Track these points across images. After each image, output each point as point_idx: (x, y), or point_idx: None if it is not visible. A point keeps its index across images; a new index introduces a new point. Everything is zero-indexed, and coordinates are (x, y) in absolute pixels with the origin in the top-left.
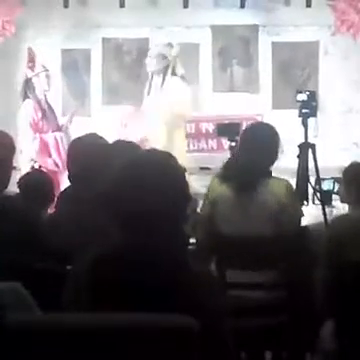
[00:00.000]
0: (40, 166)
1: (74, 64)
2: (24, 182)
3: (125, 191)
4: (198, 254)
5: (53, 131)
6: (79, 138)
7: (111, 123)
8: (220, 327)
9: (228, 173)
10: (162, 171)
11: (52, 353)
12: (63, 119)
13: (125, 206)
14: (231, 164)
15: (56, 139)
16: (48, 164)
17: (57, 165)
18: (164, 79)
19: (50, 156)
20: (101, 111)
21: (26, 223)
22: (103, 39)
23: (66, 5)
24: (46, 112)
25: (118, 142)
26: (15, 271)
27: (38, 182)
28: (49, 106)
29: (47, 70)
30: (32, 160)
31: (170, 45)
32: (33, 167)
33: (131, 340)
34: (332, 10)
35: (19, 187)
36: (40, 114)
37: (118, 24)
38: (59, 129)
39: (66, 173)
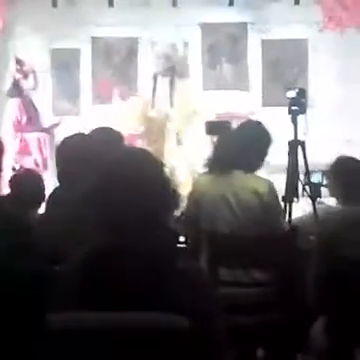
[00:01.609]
0: (20, 165)
1: (63, 63)
2: (14, 183)
3: (107, 192)
4: (189, 252)
5: (37, 131)
6: (68, 138)
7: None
8: (211, 327)
9: (211, 167)
10: (142, 169)
11: (45, 353)
12: (53, 118)
13: (109, 207)
14: (214, 158)
15: (39, 139)
16: (28, 163)
17: (37, 164)
18: (173, 81)
19: (30, 155)
20: (91, 110)
21: (15, 224)
22: (92, 38)
23: (55, 4)
24: (30, 112)
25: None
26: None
27: (28, 183)
28: (34, 106)
29: (34, 71)
30: (14, 159)
31: (174, 45)
32: (14, 167)
33: (124, 340)
34: (320, 7)
35: (9, 187)
36: (24, 114)
37: (107, 23)
38: (43, 130)
39: (46, 172)
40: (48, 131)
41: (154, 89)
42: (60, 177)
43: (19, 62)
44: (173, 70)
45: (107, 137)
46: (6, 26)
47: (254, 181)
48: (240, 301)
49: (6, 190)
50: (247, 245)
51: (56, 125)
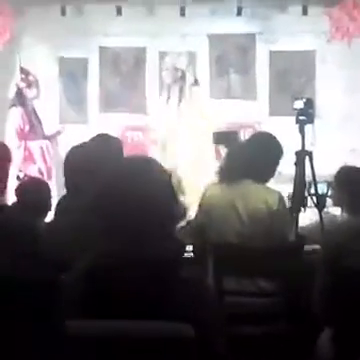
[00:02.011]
0: (25, 174)
1: (71, 72)
2: (21, 191)
3: (112, 201)
4: (195, 262)
5: (39, 139)
6: (75, 146)
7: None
8: (213, 337)
9: (221, 176)
10: (147, 179)
11: None
12: (59, 127)
13: (113, 216)
14: (225, 168)
15: (42, 147)
16: (32, 171)
17: (42, 173)
18: (182, 90)
19: (35, 163)
20: (98, 119)
21: (22, 232)
22: (100, 48)
23: (63, 13)
24: (33, 121)
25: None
26: (11, 280)
27: (35, 191)
28: (36, 115)
29: (38, 81)
30: (18, 168)
31: (181, 54)
32: (18, 175)
33: (130, 348)
34: (328, 18)
35: (16, 195)
36: (27, 123)
37: (115, 33)
38: (45, 138)
39: (50, 181)
40: (51, 139)
41: (168, 98)
42: (67, 185)
43: (24, 71)
44: (183, 80)
45: (107, 144)
46: (14, 37)
47: (264, 192)
48: (247, 311)
49: (13, 198)
50: (254, 255)
51: (59, 133)
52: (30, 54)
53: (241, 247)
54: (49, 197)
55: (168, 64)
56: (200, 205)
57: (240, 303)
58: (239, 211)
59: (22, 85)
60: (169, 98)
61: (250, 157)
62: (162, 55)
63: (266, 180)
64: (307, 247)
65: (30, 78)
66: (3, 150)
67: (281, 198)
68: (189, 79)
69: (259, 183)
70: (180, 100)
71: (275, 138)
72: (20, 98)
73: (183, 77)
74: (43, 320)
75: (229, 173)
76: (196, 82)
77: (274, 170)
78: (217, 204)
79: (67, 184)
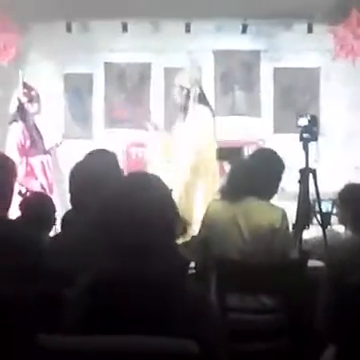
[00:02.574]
0: (27, 189)
1: (76, 88)
2: (25, 205)
3: (114, 218)
4: (198, 278)
5: (40, 154)
6: (81, 161)
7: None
8: (217, 354)
9: (224, 192)
10: (151, 195)
11: None
12: (58, 140)
13: (116, 232)
14: (227, 184)
15: (42, 162)
16: (34, 187)
17: (43, 188)
18: (187, 107)
19: (36, 179)
20: (103, 135)
21: (26, 247)
22: (105, 63)
23: (69, 30)
24: (34, 136)
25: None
26: (13, 292)
27: (39, 205)
28: (37, 130)
29: (39, 96)
30: (19, 184)
31: (189, 71)
32: (20, 191)
33: None
34: (332, 36)
35: (20, 210)
36: (28, 138)
37: (121, 49)
38: (46, 152)
39: (52, 196)
40: (50, 153)
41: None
42: (72, 201)
43: (26, 86)
44: (188, 95)
45: (107, 159)
46: (19, 53)
47: (266, 208)
48: (250, 328)
49: (16, 214)
50: (257, 271)
51: (57, 146)
52: (35, 70)
53: (244, 263)
54: (53, 211)
55: (176, 80)
56: (203, 221)
57: (243, 320)
58: (241, 228)
59: (24, 100)
60: (176, 114)
61: (253, 174)
62: (167, 71)
63: (269, 197)
64: (311, 263)
65: (32, 93)
66: (9, 165)
67: (284, 215)
68: (195, 96)
69: (262, 200)
70: (185, 117)
71: (277, 154)
72: (21, 113)
73: (189, 94)
74: (45, 334)
75: (232, 190)
76: (203, 99)
77: (277, 186)
78: (219, 220)
79: (72, 199)
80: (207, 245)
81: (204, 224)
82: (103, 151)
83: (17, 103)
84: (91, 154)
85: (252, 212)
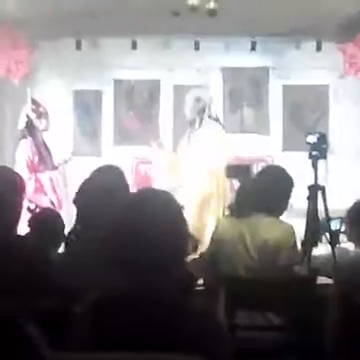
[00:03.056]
0: (36, 205)
1: (86, 105)
2: (34, 221)
3: (123, 235)
4: (206, 295)
5: (49, 170)
6: (88, 178)
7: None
8: None
9: (232, 210)
10: (162, 211)
11: None
12: (66, 156)
13: (124, 250)
14: (236, 201)
15: (51, 179)
16: (43, 203)
17: (53, 204)
18: (201, 123)
19: (45, 195)
20: (112, 151)
21: (34, 262)
22: (115, 80)
23: (79, 47)
24: (42, 152)
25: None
26: (21, 308)
27: (48, 221)
28: (46, 146)
29: (47, 112)
30: (28, 200)
31: (204, 88)
32: (29, 207)
33: None
34: (341, 53)
35: (29, 226)
36: (37, 154)
37: (130, 66)
38: (54, 168)
39: (61, 211)
40: (58, 169)
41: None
42: (79, 218)
43: (34, 102)
44: (203, 113)
45: (115, 176)
46: (30, 71)
47: (272, 224)
48: (257, 345)
49: (25, 230)
50: (265, 289)
51: (65, 162)
52: (45, 87)
53: (251, 280)
54: (62, 228)
55: (189, 97)
56: (211, 238)
57: (251, 337)
58: (248, 245)
59: (32, 116)
60: (186, 129)
61: (261, 191)
62: (176, 88)
63: (278, 214)
64: (319, 280)
65: (40, 109)
66: (18, 181)
67: (291, 231)
68: (207, 113)
69: (271, 216)
70: (197, 132)
71: (286, 171)
72: (30, 129)
73: (202, 111)
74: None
75: (240, 207)
76: (213, 116)
77: (286, 203)
78: (227, 237)
79: (79, 217)
80: (215, 262)
81: (213, 241)
82: (110, 167)
83: (26, 119)
84: (98, 170)
85: (259, 229)
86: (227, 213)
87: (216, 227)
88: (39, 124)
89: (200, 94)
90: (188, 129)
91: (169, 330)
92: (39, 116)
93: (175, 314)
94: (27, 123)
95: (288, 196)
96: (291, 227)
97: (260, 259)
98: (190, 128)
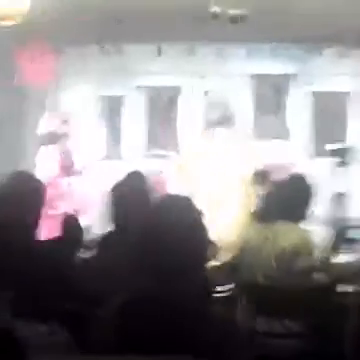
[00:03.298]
0: (56, 211)
1: (110, 110)
2: (55, 226)
3: (148, 240)
4: (227, 301)
5: (70, 176)
6: (117, 184)
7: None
8: None
9: (255, 217)
10: (183, 218)
11: None
12: (89, 162)
13: (148, 255)
14: (259, 208)
15: (72, 184)
16: (63, 208)
17: (74, 209)
18: (228, 131)
19: (66, 200)
20: (135, 157)
21: (56, 267)
22: (139, 86)
23: (104, 53)
24: (65, 157)
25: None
26: (45, 313)
27: (68, 226)
28: (68, 152)
29: (69, 118)
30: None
31: (224, 93)
32: (49, 212)
33: None
34: None
35: (49, 231)
36: (58, 160)
37: (154, 72)
38: (76, 174)
39: (83, 217)
40: (81, 175)
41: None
42: (111, 221)
43: (57, 108)
44: (227, 119)
45: (144, 182)
46: (55, 77)
47: (291, 231)
48: (276, 352)
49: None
50: (284, 295)
51: (87, 168)
52: (70, 93)
53: (272, 288)
54: (82, 233)
55: (210, 101)
56: (233, 245)
57: (271, 344)
58: (268, 252)
59: (55, 121)
60: (207, 137)
61: (285, 199)
62: (200, 94)
63: (300, 221)
64: (340, 288)
65: (62, 115)
66: (39, 186)
67: (308, 236)
68: (229, 119)
69: (292, 223)
70: (218, 140)
71: (309, 179)
72: (52, 135)
73: (224, 117)
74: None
75: (262, 214)
76: (233, 122)
77: (308, 211)
78: (248, 245)
79: (110, 220)
80: (236, 269)
81: (234, 248)
82: (139, 173)
83: (48, 125)
84: (129, 176)
85: (278, 236)
86: (250, 220)
87: (241, 234)
88: (61, 130)
89: (220, 99)
90: (210, 134)
91: (191, 335)
92: (61, 122)
93: (197, 320)
94: (49, 129)
95: (311, 204)
96: (309, 232)
97: (278, 266)
98: (212, 133)
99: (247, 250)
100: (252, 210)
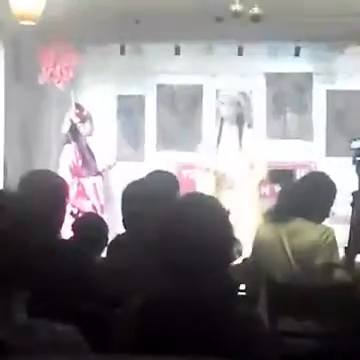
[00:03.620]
0: (78, 210)
1: (129, 110)
2: (78, 225)
3: (170, 239)
4: (248, 300)
5: (92, 175)
6: (133, 183)
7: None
8: None
9: (268, 212)
10: (208, 216)
11: None
12: (111, 161)
13: (170, 254)
14: (277, 206)
15: (95, 184)
16: (86, 208)
17: (95, 209)
18: (241, 131)
19: (88, 200)
20: (155, 156)
21: (78, 267)
22: (158, 85)
23: (122, 52)
24: (86, 157)
25: (155, 173)
26: (64, 313)
27: (92, 226)
28: (90, 151)
29: (91, 116)
30: (71, 204)
31: (244, 94)
32: (72, 211)
33: None
34: None
35: (73, 230)
36: (80, 159)
37: (173, 71)
38: (98, 174)
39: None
40: (102, 174)
41: (220, 132)
42: (125, 222)
43: (78, 107)
44: (242, 117)
45: (164, 180)
46: (75, 75)
47: (310, 228)
48: (301, 352)
49: (68, 234)
50: (307, 294)
51: (110, 167)
52: (89, 91)
53: (294, 287)
54: (106, 232)
55: (228, 98)
56: (253, 244)
57: (294, 344)
58: (286, 250)
59: (76, 120)
60: (222, 137)
61: (301, 196)
62: (219, 93)
63: (320, 220)
64: None
65: (84, 114)
66: (62, 185)
67: (329, 234)
68: (245, 119)
69: (310, 222)
70: (240, 140)
71: (329, 177)
72: (74, 134)
73: (240, 117)
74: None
75: (280, 212)
76: (251, 123)
77: (328, 209)
78: (266, 243)
79: (125, 221)
80: (257, 268)
81: (253, 247)
82: (162, 172)
83: (69, 124)
84: (150, 175)
85: (297, 233)
86: (267, 218)
87: (256, 233)
88: (83, 129)
89: (237, 97)
90: (221, 130)
91: (215, 335)
92: (83, 120)
93: (221, 319)
94: (71, 127)
95: (330, 203)
96: (328, 229)
97: (298, 264)
98: (224, 129)
99: (265, 249)
100: (268, 209)
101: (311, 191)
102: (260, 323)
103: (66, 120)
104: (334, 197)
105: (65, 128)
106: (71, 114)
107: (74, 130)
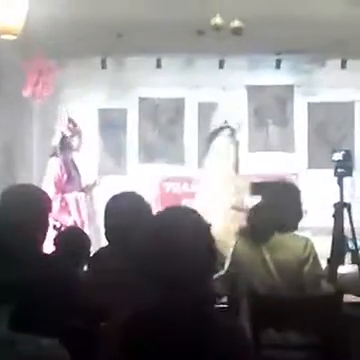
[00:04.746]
0: (61, 224)
1: (111, 123)
2: (61, 239)
3: (155, 252)
4: (229, 312)
5: (76, 191)
6: (115, 196)
7: (147, 181)
8: None
9: (246, 229)
10: (190, 229)
11: None
12: (97, 178)
13: (152, 267)
14: (249, 220)
15: (77, 199)
16: (67, 222)
17: (76, 224)
18: (237, 147)
19: (70, 215)
20: (137, 170)
21: (62, 281)
22: (140, 99)
23: (104, 66)
24: (71, 173)
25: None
26: (48, 328)
27: (74, 239)
28: (75, 166)
29: (81, 131)
30: (53, 218)
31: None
32: (55, 225)
33: None
34: None
35: (55, 244)
36: (66, 173)
37: (155, 84)
38: (82, 189)
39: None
40: (87, 191)
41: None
42: (107, 236)
43: (71, 121)
44: (233, 130)
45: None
46: (55, 90)
47: (289, 240)
48: None
49: (51, 248)
50: (290, 307)
51: (95, 185)
52: (71, 105)
53: (277, 299)
54: (89, 246)
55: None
56: (230, 260)
57: (275, 356)
58: (269, 266)
59: (68, 134)
60: (207, 150)
61: (272, 210)
62: (201, 106)
63: (295, 225)
64: (347, 299)
65: (76, 128)
66: (45, 199)
67: (309, 244)
68: (229, 132)
69: (287, 232)
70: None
71: (290, 182)
72: (63, 147)
73: (226, 130)
74: None
75: (257, 231)
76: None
77: (299, 213)
78: (247, 258)
79: (107, 234)
80: (235, 281)
81: (231, 261)
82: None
83: (60, 136)
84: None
85: (276, 247)
86: (244, 235)
87: (234, 249)
88: (73, 143)
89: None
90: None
91: (199, 347)
92: (73, 135)
93: (204, 331)
94: (61, 140)
95: (299, 204)
96: (308, 239)
97: (283, 278)
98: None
99: (245, 265)
100: (244, 226)
101: (278, 202)
102: (243, 335)
103: (57, 132)
104: (300, 198)
105: (55, 140)
106: (63, 127)
107: (64, 143)
